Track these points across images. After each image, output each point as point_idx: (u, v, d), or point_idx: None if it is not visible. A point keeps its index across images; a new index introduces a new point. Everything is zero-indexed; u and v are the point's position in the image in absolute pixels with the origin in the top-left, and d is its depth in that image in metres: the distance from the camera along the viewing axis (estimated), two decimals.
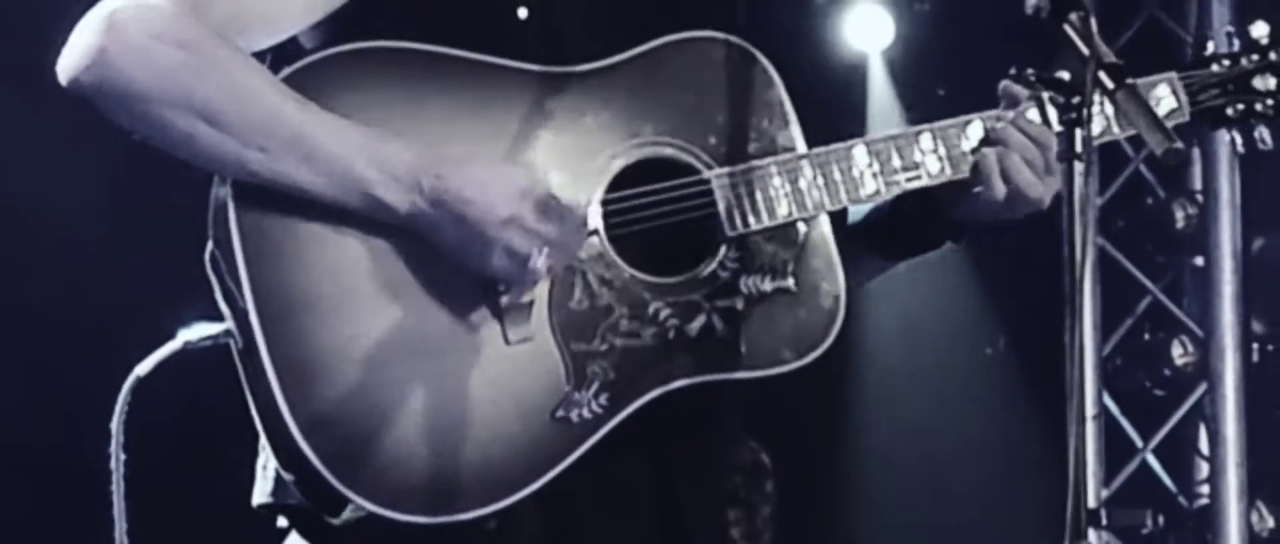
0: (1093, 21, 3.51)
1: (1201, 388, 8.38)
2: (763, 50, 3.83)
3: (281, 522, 3.74)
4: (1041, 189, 3.79)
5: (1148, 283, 8.48)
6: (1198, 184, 8.42)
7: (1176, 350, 8.40)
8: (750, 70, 3.80)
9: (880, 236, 3.99)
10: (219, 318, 3.58)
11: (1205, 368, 8.36)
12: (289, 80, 3.54)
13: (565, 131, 3.65)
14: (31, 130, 6.86)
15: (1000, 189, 3.80)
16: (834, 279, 3.77)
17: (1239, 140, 4.17)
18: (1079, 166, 3.42)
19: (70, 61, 3.54)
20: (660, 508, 3.77)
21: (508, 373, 3.58)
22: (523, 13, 3.73)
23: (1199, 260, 8.42)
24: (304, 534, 3.72)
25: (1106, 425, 8.30)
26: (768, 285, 3.73)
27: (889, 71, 7.98)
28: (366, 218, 3.51)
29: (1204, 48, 4.18)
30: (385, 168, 3.50)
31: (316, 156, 3.49)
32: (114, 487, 3.69)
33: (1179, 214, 8.42)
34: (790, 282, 3.75)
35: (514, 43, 3.66)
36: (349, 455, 3.51)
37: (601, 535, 3.74)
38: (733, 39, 3.78)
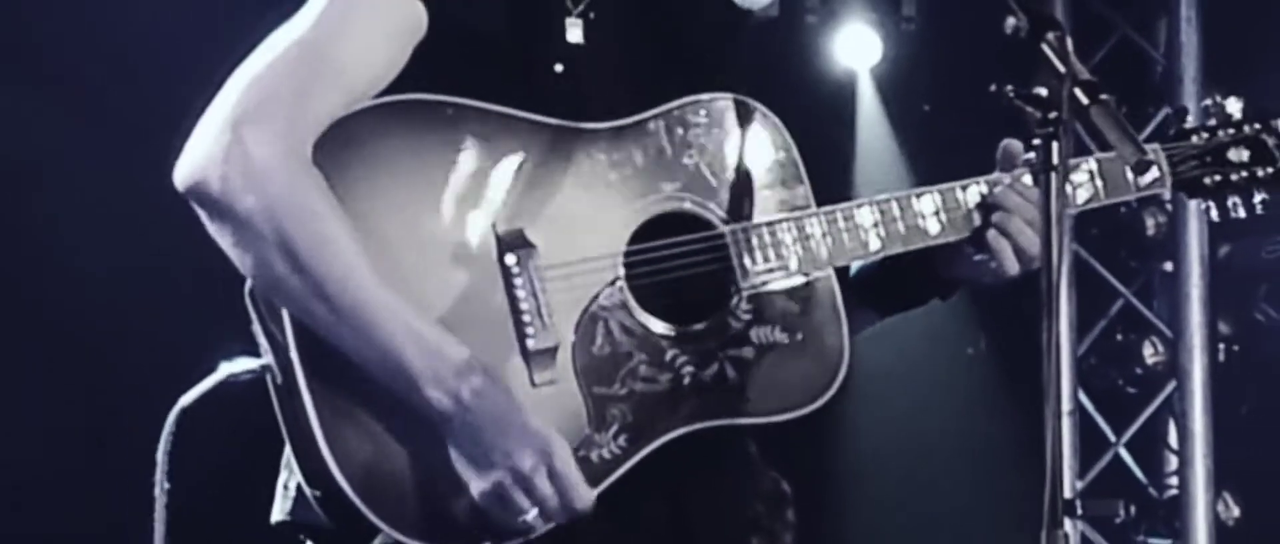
0: (1068, 41, 3.52)
1: (1171, 385, 8.39)
2: (760, 71, 3.85)
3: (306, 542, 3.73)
4: (1038, 250, 3.71)
5: (1120, 287, 8.49)
6: (1166, 198, 8.42)
7: (1147, 350, 8.41)
8: (763, 129, 3.82)
9: (874, 292, 4.00)
10: (254, 348, 3.60)
11: (1174, 367, 8.37)
12: (336, 127, 3.55)
13: (590, 186, 3.67)
14: (80, 169, 6.87)
15: (1005, 250, 3.81)
16: (838, 332, 3.79)
17: (1214, 209, 4.19)
18: (1056, 178, 3.45)
19: (188, 169, 3.56)
20: (681, 538, 3.79)
21: (534, 411, 3.56)
22: (558, 68, 3.74)
23: (1168, 265, 8.43)
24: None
25: (1081, 421, 8.32)
26: (777, 336, 3.75)
27: (877, 88, 7.98)
28: (435, 260, 3.56)
29: (1184, 121, 4.18)
30: (433, 364, 3.50)
31: (374, 335, 3.50)
32: (156, 512, 3.70)
33: (1149, 222, 8.43)
34: (799, 333, 3.76)
35: (549, 96, 3.68)
36: (381, 487, 3.52)
37: None
38: (748, 101, 3.80)
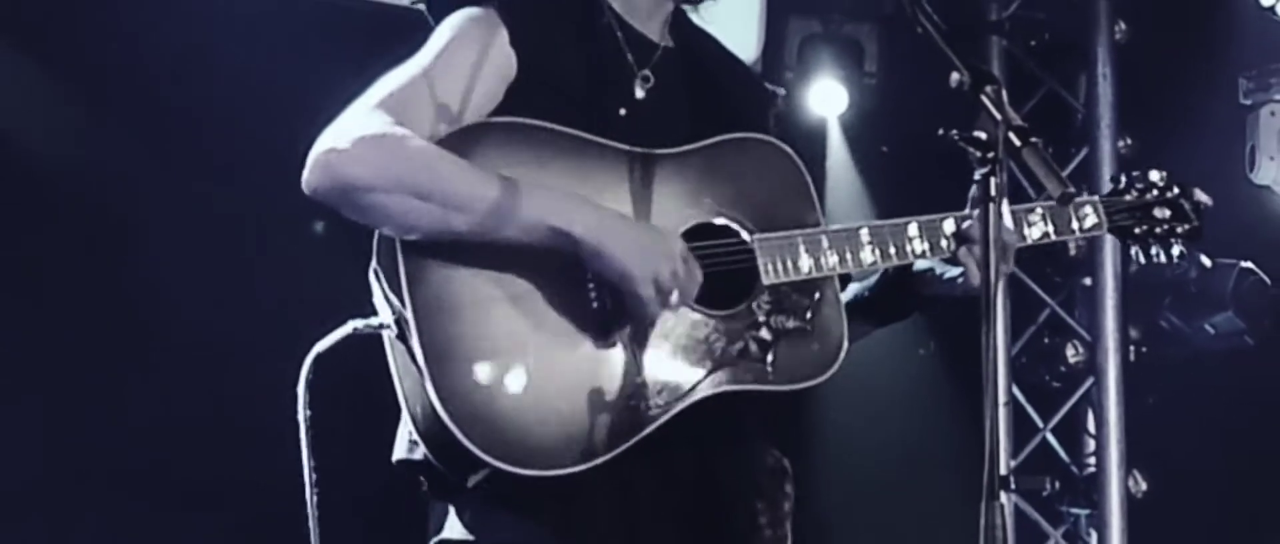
0: (1003, 93, 3.55)
1: (1089, 381, 8.36)
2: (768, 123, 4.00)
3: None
4: (1001, 271, 3.77)
5: (1047, 298, 8.46)
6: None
7: (1069, 351, 8.37)
8: (786, 164, 3.95)
9: (870, 309, 4.09)
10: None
11: (1092, 365, 8.34)
12: (451, 136, 3.68)
13: (648, 199, 3.79)
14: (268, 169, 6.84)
15: (972, 267, 3.90)
16: (840, 323, 3.91)
17: (1141, 254, 4.31)
18: (993, 207, 3.45)
19: (307, 174, 3.66)
20: (702, 490, 3.86)
21: (596, 369, 3.68)
22: (623, 111, 3.88)
23: (1087, 280, 8.40)
24: (434, 487, 3.83)
25: (1014, 410, 8.29)
26: (791, 323, 3.86)
27: (843, 132, 7.96)
28: (507, 251, 3.65)
29: (1118, 183, 4.34)
30: (562, 213, 3.65)
31: (513, 215, 3.63)
32: (303, 436, 3.77)
33: (1071, 243, 8.40)
34: (808, 322, 3.88)
35: (615, 132, 3.81)
36: (476, 422, 3.59)
37: (656, 503, 3.81)
38: (777, 142, 3.95)
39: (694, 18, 4.11)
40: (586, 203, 3.67)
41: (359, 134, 3.64)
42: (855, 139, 7.95)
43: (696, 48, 4.08)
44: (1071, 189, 3.55)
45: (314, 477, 3.77)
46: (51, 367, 6.69)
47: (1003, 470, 3.30)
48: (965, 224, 3.90)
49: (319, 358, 3.74)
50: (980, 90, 3.54)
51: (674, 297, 3.67)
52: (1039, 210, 4.08)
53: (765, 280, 3.80)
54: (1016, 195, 3.89)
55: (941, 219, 3.96)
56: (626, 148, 3.78)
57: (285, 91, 5.89)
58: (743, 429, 3.91)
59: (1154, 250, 4.27)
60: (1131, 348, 8.35)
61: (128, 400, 6.69)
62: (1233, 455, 7.96)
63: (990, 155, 3.49)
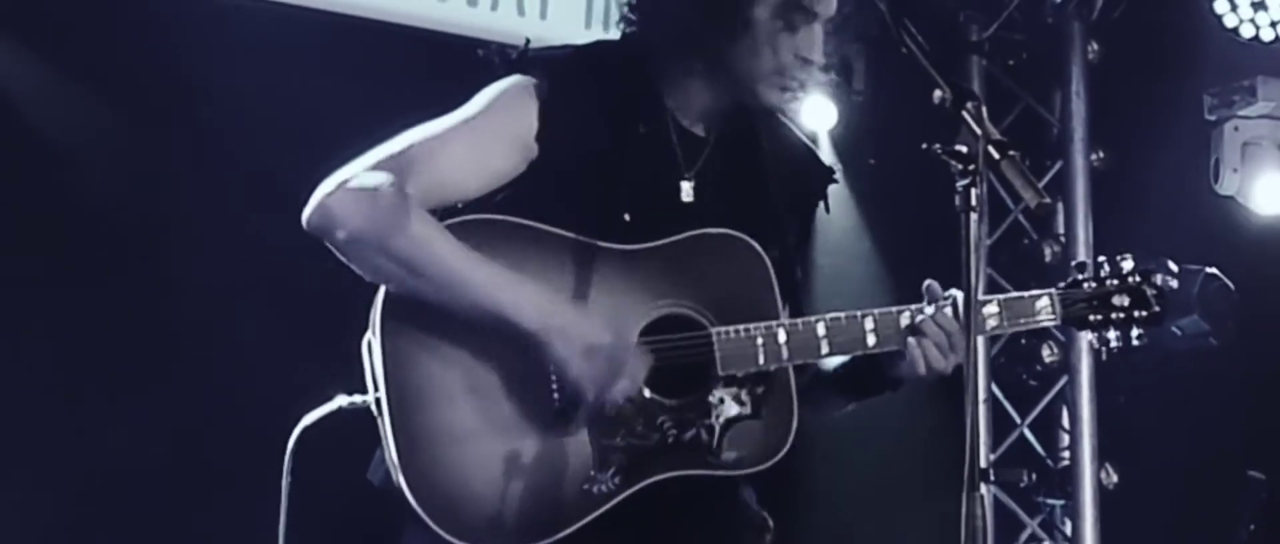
0: (983, 109, 3.55)
1: (1063, 380, 8.35)
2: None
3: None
4: (946, 365, 3.90)
5: None
6: (1061, 229, 8.40)
7: (1045, 351, 8.36)
8: (748, 256, 3.89)
9: (846, 385, 4.10)
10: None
11: (1067, 364, 8.33)
12: (452, 225, 3.71)
13: (616, 292, 3.77)
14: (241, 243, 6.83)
15: (920, 366, 3.91)
16: (790, 412, 3.88)
17: (1094, 341, 4.31)
18: (974, 216, 3.44)
19: (306, 210, 3.71)
20: None
21: (552, 454, 3.70)
22: (627, 218, 3.84)
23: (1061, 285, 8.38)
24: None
25: (993, 407, 8.28)
26: (742, 411, 3.83)
27: (833, 146, 7.95)
28: (495, 340, 3.66)
29: (1081, 271, 4.29)
30: (521, 310, 3.65)
31: (468, 291, 3.66)
32: (283, 500, 3.83)
33: (1047, 251, 8.39)
34: (759, 411, 3.85)
35: (614, 230, 3.80)
36: (438, 504, 3.65)
37: None
38: (740, 235, 3.88)
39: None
40: (541, 294, 3.67)
41: (354, 184, 3.68)
42: (844, 152, 7.93)
43: (747, 131, 4.02)
44: (1047, 199, 3.55)
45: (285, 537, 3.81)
46: (90, 374, 6.66)
47: (983, 463, 3.32)
48: (918, 318, 3.89)
49: (306, 430, 3.80)
50: (961, 106, 3.55)
51: (614, 392, 3.67)
52: (994, 302, 4.05)
53: (721, 372, 3.79)
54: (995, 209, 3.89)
55: (898, 313, 3.93)
56: (601, 244, 3.76)
57: (335, 114, 5.82)
58: (722, 500, 3.90)
59: (1113, 337, 4.25)
60: (1103, 349, 8.31)
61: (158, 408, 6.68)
62: (1198, 449, 7.95)
63: (970, 167, 3.50)
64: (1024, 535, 8.28)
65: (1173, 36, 7.89)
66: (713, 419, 3.79)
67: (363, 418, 3.73)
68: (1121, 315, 4.23)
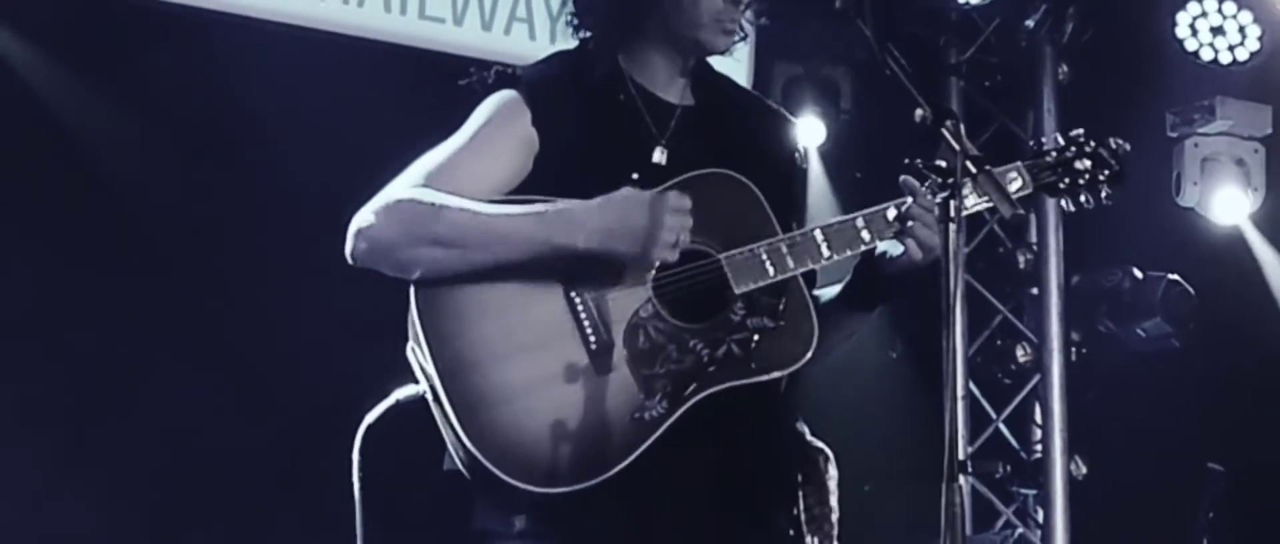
0: (961, 126, 3.56)
1: (1036, 378, 8.34)
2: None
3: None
4: (935, 237, 3.79)
5: (1000, 306, 8.45)
6: (1033, 238, 8.39)
7: (1019, 352, 8.36)
8: (743, 190, 3.89)
9: (852, 302, 4.03)
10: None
11: (1039, 364, 8.31)
12: None
13: None
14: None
15: (916, 251, 3.86)
16: (809, 317, 3.86)
17: (1068, 204, 4.19)
18: (953, 227, 3.45)
19: (347, 247, 3.75)
20: (727, 482, 3.83)
21: (600, 392, 3.69)
22: (635, 176, 3.84)
23: (1034, 290, 8.38)
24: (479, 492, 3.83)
25: (971, 403, 8.28)
26: (765, 323, 3.82)
27: (822, 161, 7.95)
28: (518, 305, 3.71)
29: (1040, 145, 4.29)
30: (562, 230, 3.68)
31: (522, 237, 3.69)
32: (356, 495, 3.82)
33: (1021, 258, 8.38)
34: (780, 319, 3.83)
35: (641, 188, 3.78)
36: (506, 456, 3.64)
37: (678, 496, 3.79)
38: (723, 171, 3.88)
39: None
40: (574, 213, 3.69)
41: (381, 205, 3.72)
42: (832, 167, 7.94)
43: (717, 101, 4.06)
44: (1021, 210, 3.58)
45: (363, 533, 3.80)
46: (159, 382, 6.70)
47: (961, 456, 3.31)
48: (903, 207, 3.87)
49: (369, 428, 3.79)
50: (941, 124, 3.55)
51: (681, 236, 3.68)
52: (969, 187, 3.92)
53: (737, 290, 3.79)
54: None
55: (884, 209, 3.92)
56: None
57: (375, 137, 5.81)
58: (771, 421, 3.89)
59: (1083, 198, 4.17)
60: (1073, 349, 8.34)
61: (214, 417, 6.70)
62: (1161, 443, 7.95)
63: (949, 181, 3.50)
64: (999, 523, 8.27)
65: (1137, 59, 7.90)
66: (740, 333, 3.79)
67: (418, 407, 3.75)
68: (1086, 178, 4.16)
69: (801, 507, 3.91)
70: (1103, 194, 4.17)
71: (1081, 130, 4.21)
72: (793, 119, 4.33)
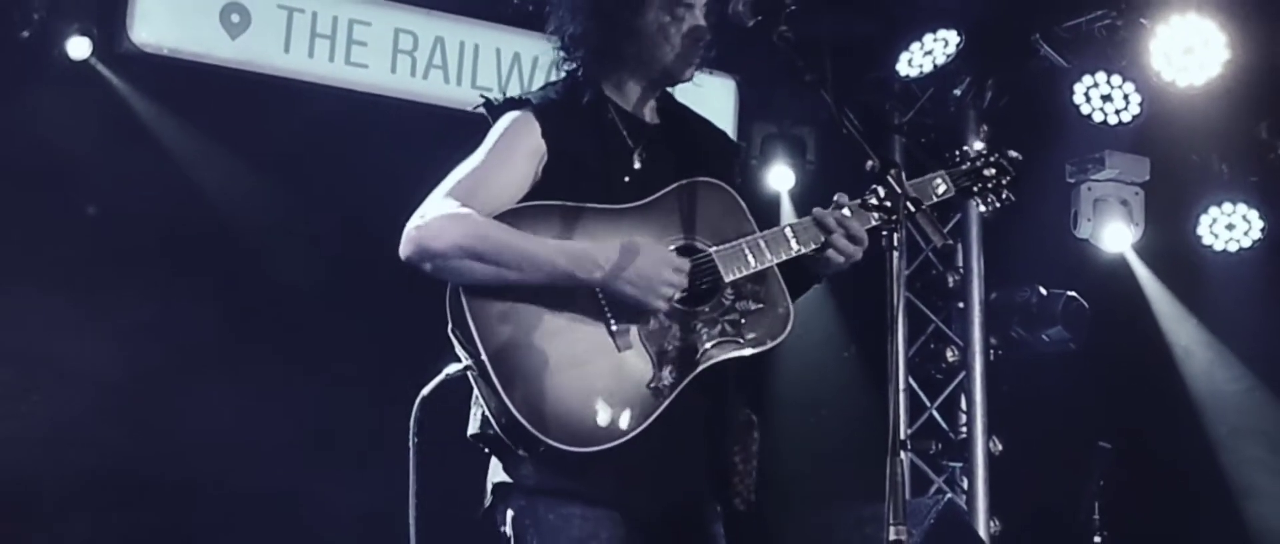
0: (902, 174, 3.57)
1: (962, 374, 8.32)
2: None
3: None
4: (854, 251, 3.84)
5: (933, 316, 8.45)
6: (960, 262, 8.40)
7: (948, 354, 8.35)
8: (724, 195, 3.87)
9: (795, 285, 3.93)
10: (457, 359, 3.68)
11: (964, 363, 8.30)
12: (504, 214, 3.68)
13: (634, 234, 3.72)
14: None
15: (834, 257, 3.86)
16: (785, 299, 3.84)
17: (980, 204, 4.19)
18: (896, 254, 3.46)
19: (401, 247, 3.68)
20: (707, 442, 3.79)
21: (620, 368, 3.64)
22: (626, 179, 3.82)
23: (960, 304, 8.38)
24: (499, 457, 3.77)
25: (910, 394, 8.28)
26: (751, 305, 3.78)
27: (792, 202, 7.96)
28: (550, 296, 3.63)
29: (955, 155, 4.22)
30: (583, 267, 3.63)
31: (554, 268, 3.63)
32: (412, 455, 3.74)
33: (950, 279, 8.38)
34: (762, 301, 3.80)
35: (620, 192, 3.78)
36: (547, 421, 3.58)
37: (677, 457, 3.74)
38: (711, 179, 3.85)
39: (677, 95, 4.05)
40: (589, 251, 3.64)
41: (434, 214, 3.65)
42: (799, 205, 7.96)
43: (679, 121, 4.01)
44: (949, 240, 3.58)
45: (417, 488, 3.74)
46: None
47: (902, 436, 3.30)
48: (825, 218, 3.85)
49: (424, 399, 3.73)
50: (886, 172, 3.56)
51: (674, 293, 3.66)
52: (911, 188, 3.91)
53: (727, 278, 3.75)
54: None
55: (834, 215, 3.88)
56: (617, 206, 3.74)
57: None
58: (724, 398, 3.83)
59: (990, 199, 4.15)
60: (991, 351, 8.34)
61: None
62: (1061, 426, 7.94)
63: (893, 217, 3.51)
64: (932, 489, 8.24)
65: (1043, 121, 7.91)
66: (731, 314, 3.75)
67: (460, 381, 3.70)
68: (993, 182, 4.15)
69: (734, 464, 3.85)
70: (1005, 195, 4.16)
71: (983, 145, 4.24)
72: (731, 136, 4.28)
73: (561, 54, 3.92)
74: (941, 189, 4.07)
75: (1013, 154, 4.19)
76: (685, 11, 3.83)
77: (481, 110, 3.91)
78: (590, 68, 3.88)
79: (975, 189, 4.13)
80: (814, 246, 3.83)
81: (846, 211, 3.84)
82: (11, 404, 6.22)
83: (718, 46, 3.92)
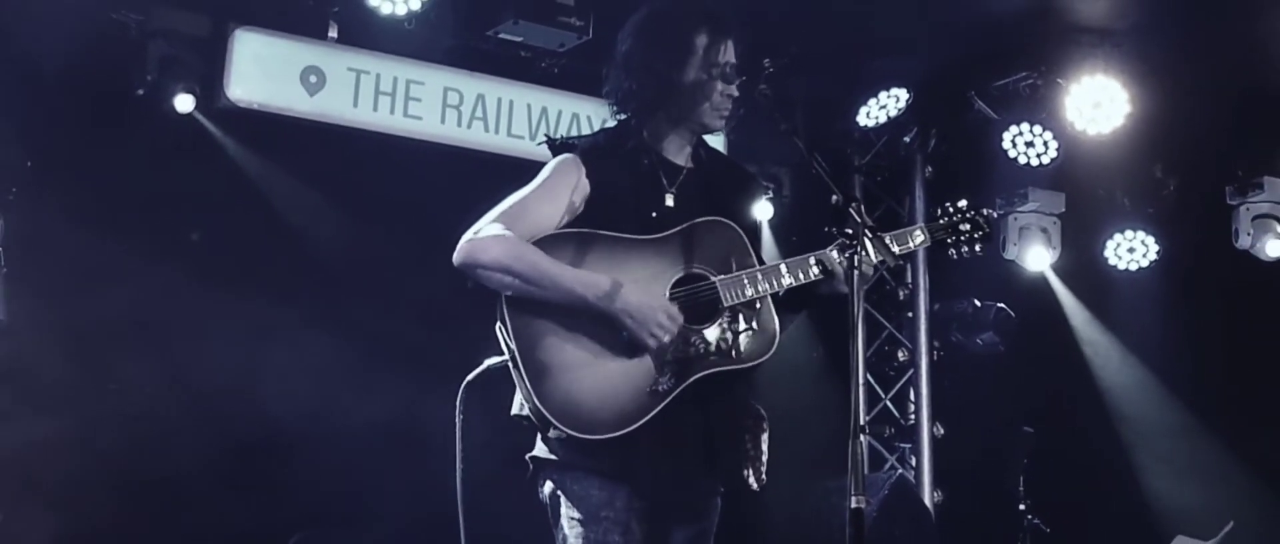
0: (862, 207, 3.56)
1: (911, 371, 8.30)
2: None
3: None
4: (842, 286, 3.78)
5: (887, 323, 8.43)
6: (909, 279, 8.39)
7: (900, 354, 8.34)
8: (730, 231, 3.84)
9: (790, 306, 3.94)
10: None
11: (913, 362, 8.29)
12: (542, 240, 3.66)
13: (649, 264, 3.71)
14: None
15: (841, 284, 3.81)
16: (773, 323, 3.79)
17: (954, 253, 4.11)
18: (856, 273, 3.44)
19: (455, 254, 3.65)
20: (703, 439, 3.75)
21: (630, 371, 3.61)
22: (654, 214, 3.78)
23: (909, 314, 8.37)
24: (537, 433, 3.75)
25: (867, 388, 8.25)
26: (743, 326, 3.75)
27: (770, 229, 7.95)
28: (575, 310, 3.60)
29: (936, 212, 4.15)
30: (593, 295, 3.59)
31: (563, 290, 3.60)
32: (457, 441, 3.71)
33: (900, 292, 8.38)
34: (754, 323, 3.76)
35: (657, 222, 3.76)
36: (564, 412, 3.57)
37: (675, 447, 3.71)
38: (720, 219, 3.83)
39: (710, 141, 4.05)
40: (606, 282, 3.61)
41: (485, 234, 3.64)
42: (778, 232, 7.95)
43: (710, 165, 3.99)
44: (900, 261, 3.57)
45: (462, 468, 3.71)
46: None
47: (861, 422, 3.28)
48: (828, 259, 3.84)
49: (468, 385, 3.71)
50: (849, 205, 3.54)
51: (664, 336, 3.63)
52: (890, 238, 3.87)
53: (726, 303, 3.74)
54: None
55: (823, 253, 3.86)
56: (638, 237, 3.73)
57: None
58: (732, 396, 3.82)
59: (964, 250, 4.10)
60: (934, 352, 8.33)
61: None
62: (992, 414, 7.93)
63: (854, 242, 3.50)
64: (886, 466, 8.23)
65: (977, 162, 7.92)
66: (727, 334, 3.72)
67: (501, 371, 3.68)
68: (966, 236, 4.09)
69: (747, 451, 3.86)
70: (977, 248, 4.12)
71: (965, 201, 4.14)
72: (759, 178, 4.25)
73: (614, 108, 3.92)
74: (919, 239, 4.04)
75: (989, 212, 4.13)
76: (718, 72, 3.83)
77: (544, 144, 3.93)
78: (636, 118, 3.88)
79: (949, 241, 4.09)
80: (804, 279, 3.83)
81: (834, 254, 3.84)
82: (152, 395, 6.27)
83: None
